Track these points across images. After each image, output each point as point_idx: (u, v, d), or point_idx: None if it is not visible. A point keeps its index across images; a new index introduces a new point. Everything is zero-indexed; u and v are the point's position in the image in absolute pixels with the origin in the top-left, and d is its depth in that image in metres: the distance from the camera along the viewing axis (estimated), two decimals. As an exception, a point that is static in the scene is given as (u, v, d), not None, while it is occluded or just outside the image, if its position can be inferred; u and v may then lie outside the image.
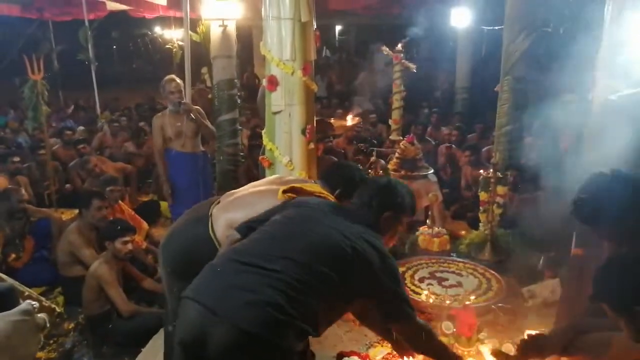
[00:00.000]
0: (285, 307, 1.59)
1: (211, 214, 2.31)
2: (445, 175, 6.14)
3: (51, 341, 3.43)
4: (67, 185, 5.99)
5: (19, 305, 1.78)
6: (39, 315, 1.57)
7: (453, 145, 6.53)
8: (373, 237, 1.88)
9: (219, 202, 2.39)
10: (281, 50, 3.31)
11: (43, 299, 2.81)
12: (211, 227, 2.27)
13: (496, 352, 2.42)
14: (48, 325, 1.71)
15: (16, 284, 2.79)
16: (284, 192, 2.19)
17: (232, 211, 2.28)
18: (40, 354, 3.22)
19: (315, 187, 2.31)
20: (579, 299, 2.14)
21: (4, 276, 2.93)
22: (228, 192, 2.49)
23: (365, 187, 2.07)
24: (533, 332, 2.24)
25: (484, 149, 6.11)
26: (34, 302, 1.53)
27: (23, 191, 4.74)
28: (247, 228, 1.99)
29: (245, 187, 2.55)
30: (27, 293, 2.73)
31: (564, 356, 2.00)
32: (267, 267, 1.65)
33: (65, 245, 3.96)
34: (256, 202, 2.25)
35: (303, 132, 3.41)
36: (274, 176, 2.97)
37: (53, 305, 2.81)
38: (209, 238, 2.25)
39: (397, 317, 1.94)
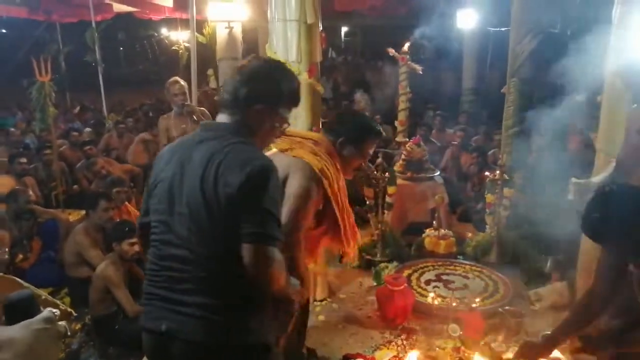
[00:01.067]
0: (217, 304, 1.53)
1: None
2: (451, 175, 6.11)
3: (58, 342, 3.44)
4: (74, 187, 6.02)
5: (40, 312, 1.75)
6: (60, 322, 1.56)
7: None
8: (238, 148, 1.55)
9: None
10: (287, 52, 3.32)
11: (59, 302, 2.78)
12: None
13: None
14: (69, 332, 1.68)
15: (31, 287, 2.78)
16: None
17: None
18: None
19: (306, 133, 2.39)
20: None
21: (22, 282, 2.89)
22: None
23: (234, 79, 1.67)
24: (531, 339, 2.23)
25: (489, 152, 6.08)
26: (54, 310, 1.51)
27: (30, 192, 4.76)
28: (142, 228, 1.76)
29: None
30: (43, 297, 2.72)
31: (619, 349, 1.96)
32: (181, 278, 1.56)
33: (72, 246, 3.97)
34: None
35: (309, 134, 3.41)
36: None
37: (69, 309, 2.78)
38: None
39: (258, 239, 1.50)
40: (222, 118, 1.67)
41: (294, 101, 1.73)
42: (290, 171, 2.19)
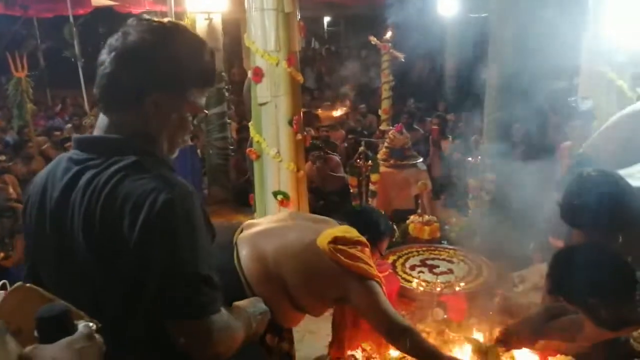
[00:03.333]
0: None
1: (235, 243, 2.08)
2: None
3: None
4: (57, 184, 5.95)
5: (75, 326, 1.66)
6: (97, 335, 1.46)
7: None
8: (127, 179, 1.05)
9: (241, 231, 2.17)
10: (265, 41, 3.30)
11: (82, 313, 2.66)
12: (236, 256, 2.03)
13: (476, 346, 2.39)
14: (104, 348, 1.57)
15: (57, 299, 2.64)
16: (330, 242, 1.97)
17: (261, 242, 2.06)
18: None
19: (354, 232, 2.13)
20: None
21: (45, 292, 2.74)
22: (248, 222, 2.28)
23: (112, 55, 1.12)
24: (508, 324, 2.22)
25: (472, 138, 6.13)
26: (91, 324, 1.42)
27: (11, 190, 4.70)
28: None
29: (266, 219, 2.40)
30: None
31: (537, 339, 2.01)
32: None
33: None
34: (286, 233, 2.10)
35: (290, 123, 3.41)
36: (289, 212, 2.85)
37: (94, 320, 2.67)
38: (233, 269, 1.99)
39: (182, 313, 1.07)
40: (102, 123, 1.15)
41: (208, 79, 1.21)
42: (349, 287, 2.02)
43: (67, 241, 1.11)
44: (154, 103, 1.11)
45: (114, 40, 1.10)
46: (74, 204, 1.09)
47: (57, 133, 7.20)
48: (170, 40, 1.12)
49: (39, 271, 1.25)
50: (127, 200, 1.03)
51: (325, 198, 5.26)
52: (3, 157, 5.47)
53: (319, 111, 7.57)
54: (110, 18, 16.85)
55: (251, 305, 1.41)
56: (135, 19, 1.14)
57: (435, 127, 6.64)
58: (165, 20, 1.19)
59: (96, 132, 1.16)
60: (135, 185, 1.04)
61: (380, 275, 2.65)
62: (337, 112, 7.63)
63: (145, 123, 1.13)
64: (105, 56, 1.11)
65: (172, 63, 1.12)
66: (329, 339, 3.07)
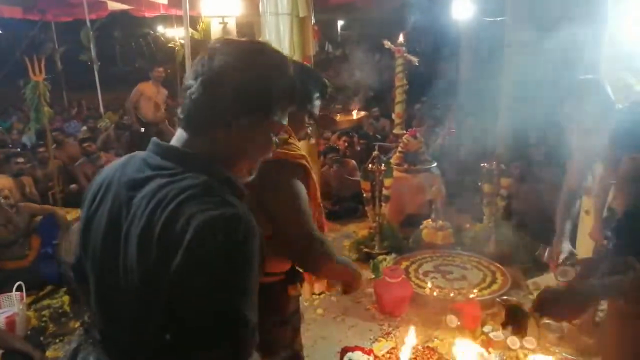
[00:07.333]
0: None
1: None
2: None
3: (57, 340, 3.45)
4: (72, 186, 6.02)
5: None
6: None
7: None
8: (194, 196, 1.00)
9: None
10: (280, 45, 3.31)
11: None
12: None
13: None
14: None
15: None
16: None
17: None
18: (47, 353, 3.25)
19: None
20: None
21: None
22: None
23: (203, 79, 1.07)
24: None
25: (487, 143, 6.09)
26: None
27: (28, 189, 4.76)
28: (79, 275, 1.25)
29: None
30: None
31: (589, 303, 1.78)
32: None
33: (70, 245, 3.98)
34: None
35: (303, 127, 3.41)
36: None
37: None
38: None
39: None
40: (182, 138, 1.11)
41: (293, 96, 1.15)
42: None
43: (118, 240, 1.05)
44: (241, 127, 1.07)
45: (199, 65, 1.07)
46: (136, 208, 1.04)
47: (71, 140, 7.29)
48: (256, 61, 1.08)
49: (84, 264, 1.19)
50: (189, 223, 0.96)
51: (341, 203, 5.25)
52: (21, 159, 5.55)
53: (338, 116, 7.57)
54: (126, 22, 17.07)
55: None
56: (219, 42, 1.12)
57: (452, 130, 6.62)
58: (247, 41, 1.14)
59: (174, 143, 1.12)
60: (201, 209, 0.98)
61: (394, 281, 2.54)
62: (355, 116, 7.60)
63: (228, 146, 1.09)
64: (191, 81, 1.07)
65: (259, 85, 1.07)
66: (341, 344, 3.07)
